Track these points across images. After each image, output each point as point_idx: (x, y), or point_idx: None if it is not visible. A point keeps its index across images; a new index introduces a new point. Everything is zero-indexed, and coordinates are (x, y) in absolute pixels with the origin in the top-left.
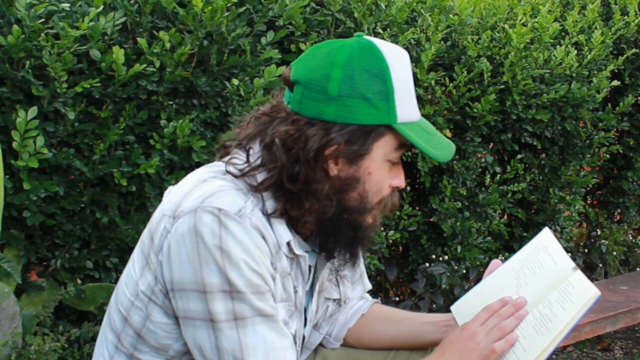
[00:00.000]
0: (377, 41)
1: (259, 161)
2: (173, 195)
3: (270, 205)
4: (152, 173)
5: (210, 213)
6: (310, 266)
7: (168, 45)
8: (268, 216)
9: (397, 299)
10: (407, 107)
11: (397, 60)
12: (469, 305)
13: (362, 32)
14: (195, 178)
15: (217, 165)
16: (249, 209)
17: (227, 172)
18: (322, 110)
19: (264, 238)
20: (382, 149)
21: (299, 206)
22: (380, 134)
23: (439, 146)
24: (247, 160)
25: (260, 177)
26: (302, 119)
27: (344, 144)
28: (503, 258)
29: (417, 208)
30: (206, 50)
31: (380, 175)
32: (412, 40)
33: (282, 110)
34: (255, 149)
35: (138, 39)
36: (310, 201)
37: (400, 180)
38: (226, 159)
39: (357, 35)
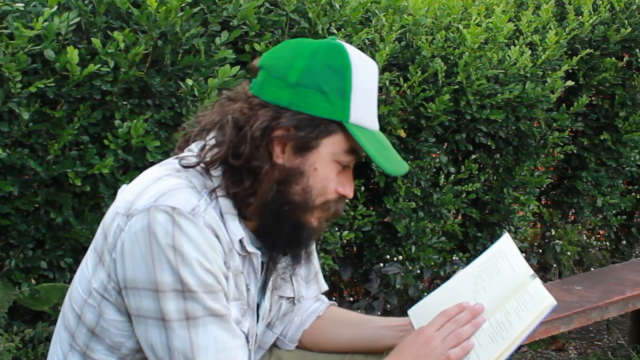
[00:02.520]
0: (348, 46)
1: (212, 142)
2: (127, 193)
3: (216, 182)
4: (106, 173)
5: (163, 212)
6: (263, 263)
7: (122, 46)
8: (215, 196)
9: (351, 299)
10: (362, 111)
11: (362, 65)
12: (426, 310)
13: (335, 36)
14: (150, 176)
15: (171, 163)
16: (202, 208)
17: (182, 166)
18: (278, 95)
19: (217, 237)
20: (331, 147)
21: (238, 183)
22: (330, 130)
23: (391, 160)
24: (203, 148)
25: (210, 155)
26: (257, 101)
27: (292, 129)
28: (458, 258)
29: (371, 208)
30: (160, 50)
31: (325, 174)
32: (367, 41)
33: (243, 94)
34: (212, 135)
35: (92, 39)
36: (250, 180)
37: (347, 189)
38: (181, 155)
39: (332, 38)
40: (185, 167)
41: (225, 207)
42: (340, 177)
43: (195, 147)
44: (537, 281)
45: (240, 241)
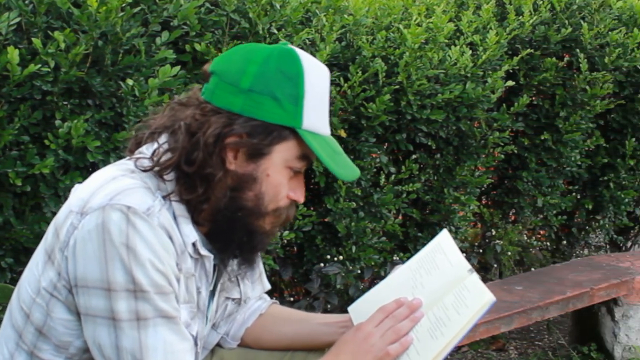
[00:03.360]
0: (300, 51)
1: (165, 146)
2: (81, 192)
3: (169, 186)
4: (46, 173)
5: (118, 210)
6: (215, 266)
7: (63, 46)
8: (168, 199)
9: (292, 299)
10: (315, 117)
11: (314, 71)
12: (365, 306)
13: (287, 42)
14: (104, 176)
15: (125, 164)
16: (157, 208)
17: (137, 167)
18: (231, 101)
19: (170, 238)
20: (284, 154)
21: (191, 190)
22: (283, 137)
23: (343, 165)
24: (156, 151)
25: (164, 159)
26: (210, 107)
27: (245, 136)
28: (398, 258)
29: (311, 208)
30: (101, 50)
31: (278, 180)
32: (307, 41)
33: (195, 100)
34: (164, 139)
35: (33, 39)
36: (203, 187)
37: (298, 194)
38: (134, 156)
39: (283, 44)
40: (140, 169)
41: (179, 210)
42: (291, 183)
43: (146, 149)
44: (475, 276)
45: (194, 244)
